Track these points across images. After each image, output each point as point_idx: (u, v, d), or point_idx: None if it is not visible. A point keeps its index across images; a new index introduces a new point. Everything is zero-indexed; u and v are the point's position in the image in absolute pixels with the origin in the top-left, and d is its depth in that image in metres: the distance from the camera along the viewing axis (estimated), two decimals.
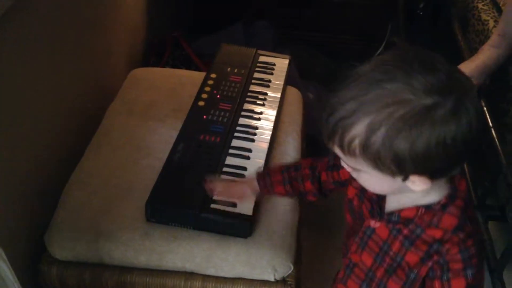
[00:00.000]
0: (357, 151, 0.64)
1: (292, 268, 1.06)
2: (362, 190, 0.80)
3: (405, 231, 0.73)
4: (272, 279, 1.05)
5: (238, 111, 1.30)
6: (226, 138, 1.22)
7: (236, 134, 1.24)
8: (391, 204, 0.76)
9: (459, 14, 1.94)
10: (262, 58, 1.51)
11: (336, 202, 1.80)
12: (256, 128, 1.27)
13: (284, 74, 1.47)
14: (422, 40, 2.21)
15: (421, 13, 2.13)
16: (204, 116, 1.27)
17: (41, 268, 1.05)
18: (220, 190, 1.04)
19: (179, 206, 1.05)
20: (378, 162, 0.64)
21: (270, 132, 1.27)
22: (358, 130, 0.62)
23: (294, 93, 1.50)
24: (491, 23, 1.67)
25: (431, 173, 0.66)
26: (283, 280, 1.06)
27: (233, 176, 1.13)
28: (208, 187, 1.04)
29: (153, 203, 1.05)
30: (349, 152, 0.65)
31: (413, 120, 0.60)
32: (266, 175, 0.99)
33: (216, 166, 1.14)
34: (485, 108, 1.53)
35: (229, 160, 1.17)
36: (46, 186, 1.15)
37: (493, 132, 1.46)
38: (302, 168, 0.96)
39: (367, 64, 0.65)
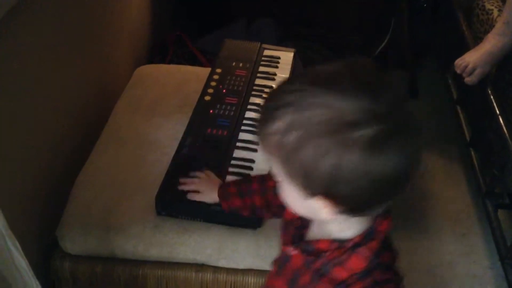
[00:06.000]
0: (273, 145, 0.58)
1: None
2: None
3: (317, 265, 0.67)
4: None
5: (244, 105, 1.31)
6: (233, 132, 1.22)
7: (243, 127, 1.25)
8: (312, 233, 0.71)
9: (463, 5, 1.94)
10: (266, 52, 1.52)
11: None
12: None
13: (289, 67, 1.47)
14: (427, 32, 2.21)
15: (425, 5, 2.13)
16: (211, 111, 1.27)
17: (53, 263, 1.06)
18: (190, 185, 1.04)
19: (188, 199, 1.05)
20: (288, 165, 0.59)
21: None
22: (280, 124, 0.57)
23: None
24: (495, 13, 1.67)
25: (341, 202, 0.58)
26: None
27: (241, 168, 1.14)
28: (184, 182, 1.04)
29: (163, 196, 1.05)
30: (266, 144, 0.60)
31: (328, 132, 0.54)
32: (225, 185, 0.98)
33: (224, 159, 1.15)
34: (491, 96, 1.53)
35: (237, 153, 1.18)
36: (56, 183, 1.16)
37: (500, 119, 1.46)
38: (252, 181, 0.93)
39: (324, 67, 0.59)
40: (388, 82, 0.57)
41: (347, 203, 0.59)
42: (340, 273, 0.65)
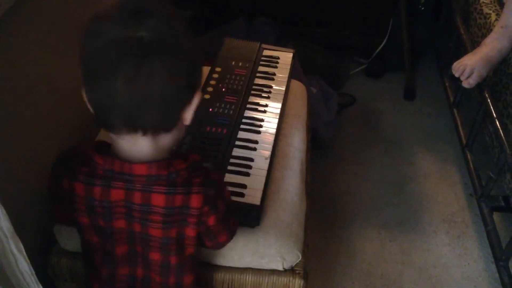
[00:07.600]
0: None
1: (300, 257, 1.07)
2: None
3: None
4: (281, 268, 1.06)
5: (243, 104, 1.31)
6: (233, 130, 1.22)
7: (242, 126, 1.25)
8: None
9: (461, 9, 1.95)
10: (266, 52, 1.52)
11: (339, 196, 1.80)
12: (262, 120, 1.28)
13: (288, 67, 1.47)
14: (424, 35, 2.22)
15: (423, 8, 2.14)
16: (210, 109, 1.27)
17: (51, 260, 1.06)
18: None
19: None
20: None
21: (276, 124, 1.28)
22: None
23: (298, 87, 1.51)
24: (493, 17, 1.69)
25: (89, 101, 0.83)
26: (292, 269, 1.07)
27: (240, 167, 1.14)
28: None
29: None
30: None
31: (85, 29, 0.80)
32: None
33: (223, 157, 1.15)
34: (488, 100, 1.54)
35: (236, 152, 1.18)
36: None
37: (497, 123, 1.47)
38: None
39: None
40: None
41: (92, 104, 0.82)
42: None
